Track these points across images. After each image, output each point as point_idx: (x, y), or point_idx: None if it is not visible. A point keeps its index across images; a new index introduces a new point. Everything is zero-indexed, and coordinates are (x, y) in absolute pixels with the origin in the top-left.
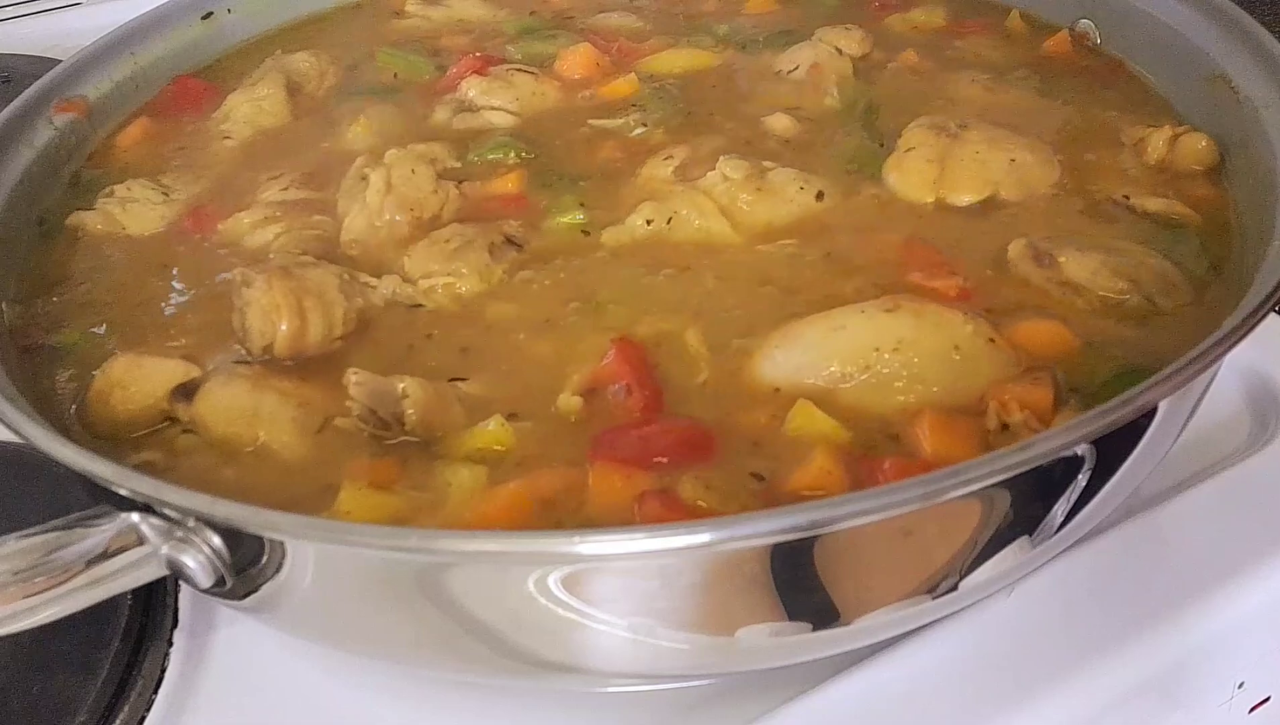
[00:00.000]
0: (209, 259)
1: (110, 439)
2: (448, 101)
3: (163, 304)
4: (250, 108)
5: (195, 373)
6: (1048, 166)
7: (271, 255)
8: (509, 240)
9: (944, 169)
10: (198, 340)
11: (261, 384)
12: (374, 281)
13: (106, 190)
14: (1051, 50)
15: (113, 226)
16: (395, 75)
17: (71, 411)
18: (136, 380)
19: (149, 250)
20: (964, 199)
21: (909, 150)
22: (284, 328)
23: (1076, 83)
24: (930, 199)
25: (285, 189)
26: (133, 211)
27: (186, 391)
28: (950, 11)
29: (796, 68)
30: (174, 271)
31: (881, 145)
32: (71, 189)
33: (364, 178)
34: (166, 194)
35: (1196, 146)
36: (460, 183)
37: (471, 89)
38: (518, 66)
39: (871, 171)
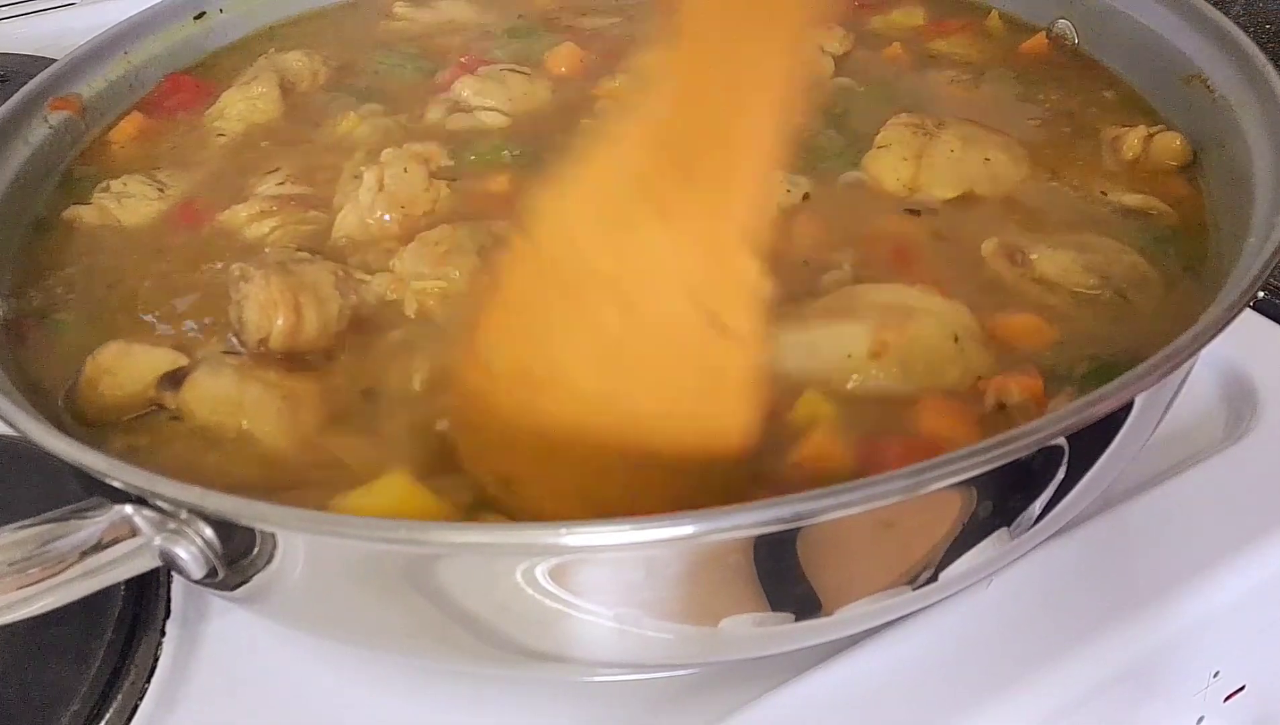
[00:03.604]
0: (203, 251)
1: (97, 424)
2: (441, 101)
3: (155, 294)
4: (245, 105)
5: (183, 361)
6: (1022, 164)
7: (267, 249)
8: (499, 243)
9: (919, 167)
10: (190, 330)
11: (248, 375)
12: (368, 278)
13: (102, 185)
14: (1028, 51)
15: (108, 220)
16: (383, 74)
17: (60, 398)
18: (125, 367)
19: (143, 242)
20: (939, 196)
21: (884, 147)
22: (280, 323)
23: (1053, 82)
24: (904, 196)
25: (281, 184)
26: (128, 206)
27: (174, 379)
28: (929, 12)
29: None
30: (167, 263)
31: (857, 145)
32: (65, 185)
33: (357, 176)
34: (162, 189)
35: (1171, 145)
36: (452, 181)
37: (465, 89)
38: (510, 67)
39: (849, 168)
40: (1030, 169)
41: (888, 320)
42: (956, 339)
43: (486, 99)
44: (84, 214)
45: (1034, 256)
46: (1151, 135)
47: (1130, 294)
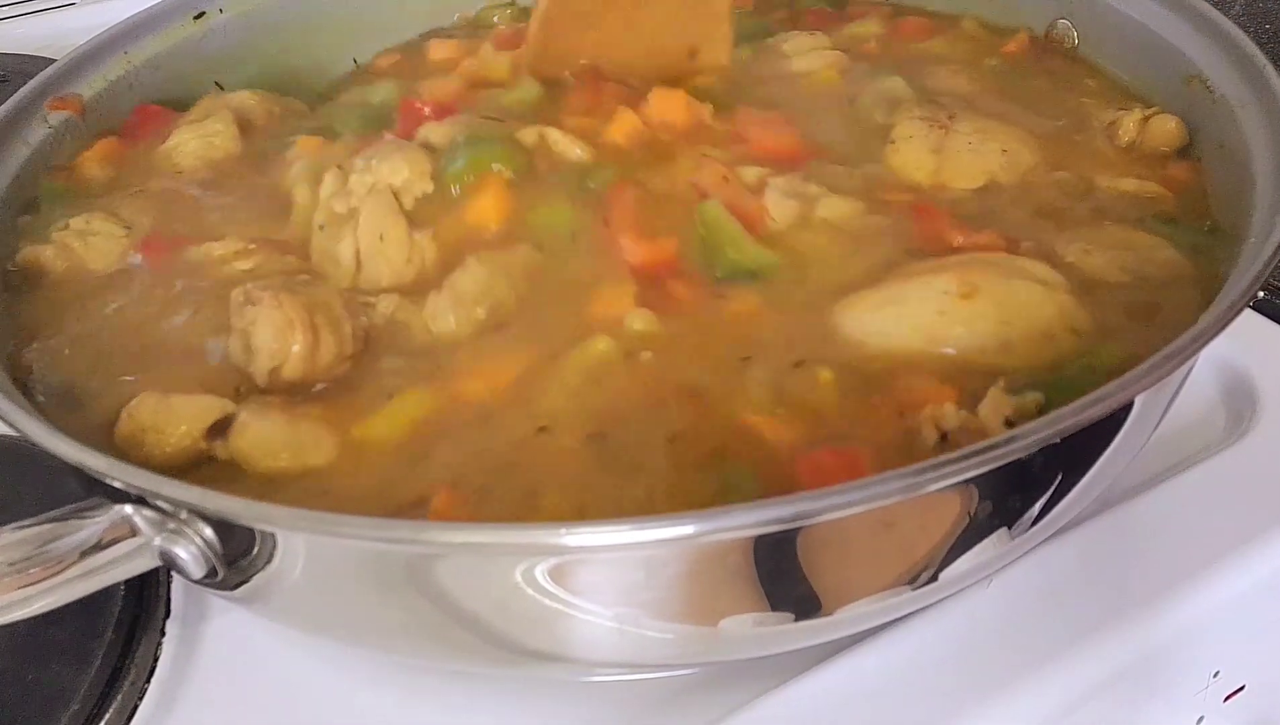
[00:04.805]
0: (183, 291)
1: None
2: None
3: (149, 339)
4: (199, 142)
5: (231, 408)
6: (1036, 154)
7: (250, 285)
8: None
9: (942, 159)
10: (196, 375)
11: (295, 413)
12: (372, 299)
13: (60, 224)
14: (1012, 50)
15: (73, 261)
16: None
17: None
18: (169, 422)
19: (117, 285)
20: (963, 187)
21: (908, 139)
22: (297, 347)
23: (1043, 73)
24: (930, 186)
25: (244, 224)
26: (94, 246)
27: (219, 428)
28: (885, 21)
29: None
30: (148, 306)
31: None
32: (27, 209)
33: (321, 226)
34: (129, 228)
35: (1167, 127)
36: (444, 231)
37: (431, 133)
38: (487, 115)
39: (866, 162)
40: (1043, 158)
41: (973, 266)
42: (1045, 283)
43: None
44: (44, 254)
45: (1069, 260)
46: (1147, 118)
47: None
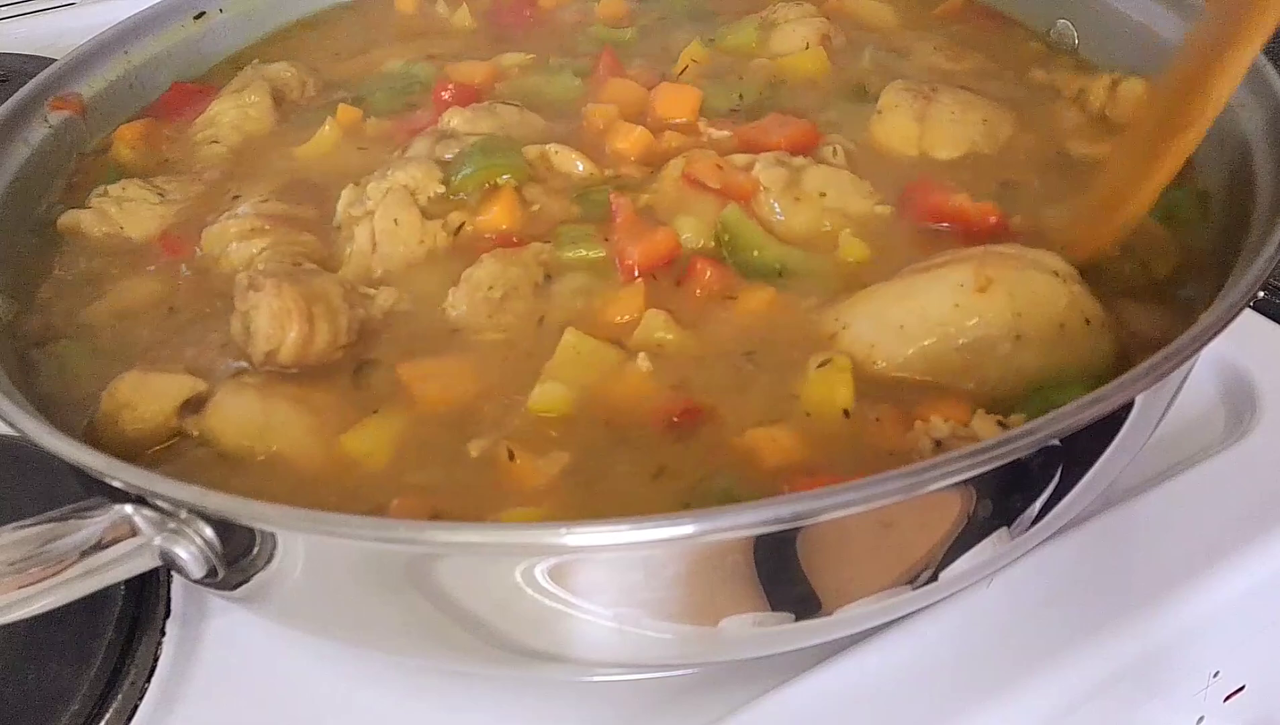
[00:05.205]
0: (198, 268)
1: (123, 459)
2: (429, 133)
3: (157, 314)
4: (237, 113)
5: (202, 387)
6: (1014, 125)
7: (261, 266)
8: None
9: (925, 127)
10: (196, 351)
11: (271, 393)
12: (372, 292)
13: (99, 190)
14: (944, 13)
15: (110, 227)
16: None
17: (79, 433)
18: (144, 399)
19: (141, 255)
20: (946, 154)
21: (894, 108)
22: (293, 334)
23: (1013, 44)
24: (914, 153)
25: (264, 201)
26: (129, 211)
27: (194, 405)
28: None
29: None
30: (164, 280)
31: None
32: (68, 191)
33: (339, 227)
34: (162, 195)
35: (1135, 91)
36: (459, 229)
37: (454, 119)
38: (504, 100)
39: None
40: (1021, 129)
41: (989, 259)
42: (1057, 274)
43: (478, 127)
44: (84, 219)
45: (1058, 226)
46: (1116, 82)
47: (1151, 262)
